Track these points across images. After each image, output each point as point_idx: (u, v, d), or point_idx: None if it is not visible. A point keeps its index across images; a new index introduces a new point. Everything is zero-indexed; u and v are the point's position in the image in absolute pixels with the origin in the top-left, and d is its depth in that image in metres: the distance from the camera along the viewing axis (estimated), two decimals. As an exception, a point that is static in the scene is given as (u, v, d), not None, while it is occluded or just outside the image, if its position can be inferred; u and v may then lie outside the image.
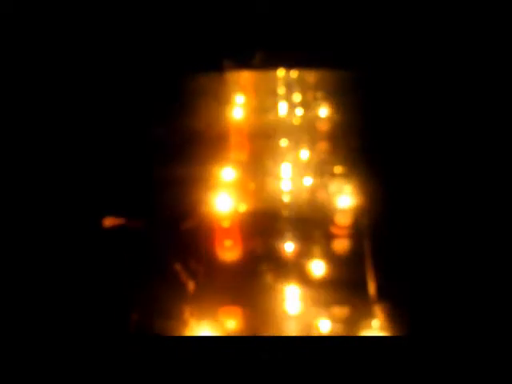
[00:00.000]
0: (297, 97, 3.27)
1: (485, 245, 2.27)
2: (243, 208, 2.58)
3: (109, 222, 2.45)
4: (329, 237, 2.44)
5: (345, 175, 2.73)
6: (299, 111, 3.19)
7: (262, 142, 2.97)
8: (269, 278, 2.29)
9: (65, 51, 2.88)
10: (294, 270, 2.31)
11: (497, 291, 2.10)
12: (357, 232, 2.44)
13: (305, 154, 2.90)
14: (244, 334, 2.07)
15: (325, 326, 2.10)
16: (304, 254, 2.38)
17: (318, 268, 2.32)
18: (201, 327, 2.03)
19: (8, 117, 2.67)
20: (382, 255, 2.31)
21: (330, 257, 2.36)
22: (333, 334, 2.06)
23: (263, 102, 3.24)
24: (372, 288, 2.21)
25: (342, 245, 2.42)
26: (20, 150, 2.62)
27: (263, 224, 2.51)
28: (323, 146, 2.97)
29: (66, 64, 2.87)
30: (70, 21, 2.89)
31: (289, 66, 3.32)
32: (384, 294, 2.16)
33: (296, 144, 2.96)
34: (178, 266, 2.30)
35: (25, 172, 2.56)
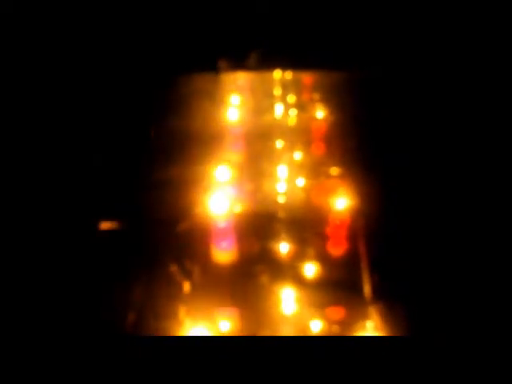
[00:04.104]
0: (292, 98, 3.28)
1: (481, 244, 2.27)
2: (238, 209, 2.58)
3: (104, 223, 2.44)
4: (324, 238, 2.44)
5: (340, 176, 2.73)
6: (295, 112, 3.19)
7: (257, 143, 2.97)
8: (264, 278, 2.29)
9: (63, 52, 2.87)
10: (290, 271, 2.31)
11: (494, 292, 2.10)
12: (352, 233, 2.45)
13: (300, 155, 2.91)
14: (239, 335, 2.06)
15: (320, 327, 2.10)
16: (299, 255, 2.38)
17: (313, 269, 2.33)
18: (196, 327, 2.03)
19: (5, 117, 2.66)
20: (377, 256, 2.31)
21: (326, 258, 2.37)
22: (328, 335, 2.06)
23: (259, 103, 3.24)
24: (367, 289, 2.21)
25: (337, 246, 2.42)
26: (16, 152, 2.61)
27: (258, 225, 2.51)
28: (319, 147, 2.97)
29: (63, 65, 2.87)
30: (68, 21, 2.88)
31: (284, 67, 3.32)
32: (379, 295, 2.17)
33: (291, 145, 2.96)
34: (173, 267, 2.30)
35: (21, 173, 2.55)
